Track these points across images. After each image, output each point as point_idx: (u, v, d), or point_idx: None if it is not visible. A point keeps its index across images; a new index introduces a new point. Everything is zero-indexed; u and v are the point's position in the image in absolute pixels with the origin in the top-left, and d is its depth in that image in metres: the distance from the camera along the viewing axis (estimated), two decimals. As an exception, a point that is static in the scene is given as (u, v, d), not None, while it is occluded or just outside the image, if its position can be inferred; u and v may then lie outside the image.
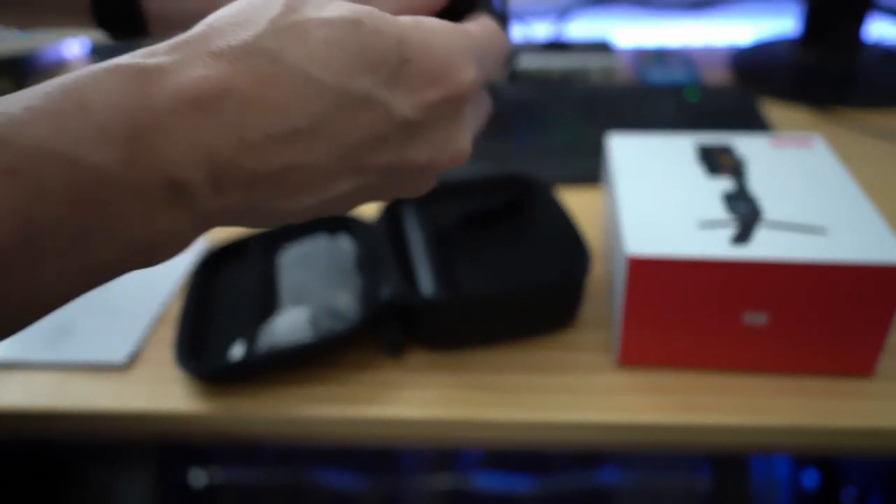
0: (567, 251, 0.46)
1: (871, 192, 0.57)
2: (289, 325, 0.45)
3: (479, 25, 0.28)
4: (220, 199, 0.21)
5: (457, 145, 0.26)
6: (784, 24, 0.93)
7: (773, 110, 0.72)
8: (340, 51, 0.22)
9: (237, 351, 0.44)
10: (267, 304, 0.47)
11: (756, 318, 0.40)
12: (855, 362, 0.41)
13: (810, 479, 0.72)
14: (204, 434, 0.44)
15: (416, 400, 0.42)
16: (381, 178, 0.24)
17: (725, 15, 0.96)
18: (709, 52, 0.88)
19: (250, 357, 0.42)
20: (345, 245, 0.51)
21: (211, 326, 0.48)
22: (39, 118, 0.18)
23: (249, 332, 0.45)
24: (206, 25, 0.22)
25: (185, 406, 0.42)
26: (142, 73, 0.20)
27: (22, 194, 0.18)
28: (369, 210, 0.51)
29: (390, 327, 0.44)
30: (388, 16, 0.24)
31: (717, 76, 0.82)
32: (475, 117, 0.29)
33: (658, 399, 0.41)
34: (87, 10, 0.34)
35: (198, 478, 0.74)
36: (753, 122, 0.67)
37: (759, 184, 0.44)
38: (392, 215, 0.50)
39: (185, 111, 0.20)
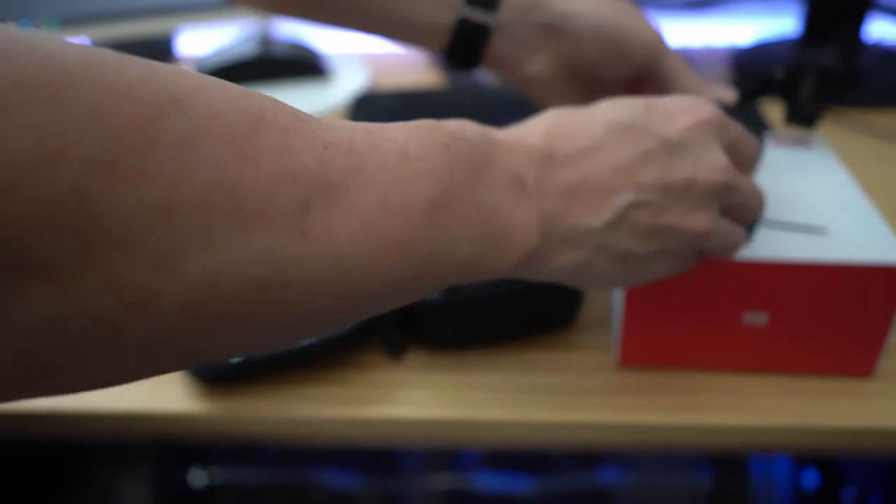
0: None
1: (871, 192, 0.57)
2: None
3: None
4: (543, 204, 0.29)
5: (712, 160, 0.31)
6: (784, 24, 0.93)
7: (774, 110, 0.72)
8: (602, 107, 0.31)
9: None
10: None
11: (756, 319, 0.40)
12: (855, 362, 0.41)
13: (810, 479, 0.72)
14: (203, 434, 0.44)
15: (416, 400, 0.42)
16: (657, 195, 0.30)
17: (725, 15, 0.96)
18: (709, 52, 0.88)
19: (250, 358, 0.42)
20: None
21: None
22: (445, 122, 0.27)
23: None
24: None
25: (185, 406, 0.42)
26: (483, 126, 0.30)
27: (451, 162, 0.26)
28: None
29: (390, 327, 0.44)
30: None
31: (718, 76, 0.82)
32: (739, 149, 0.33)
33: (658, 399, 0.41)
34: (442, 45, 0.44)
35: (198, 478, 0.74)
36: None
37: (760, 183, 0.44)
38: None
39: (513, 140, 0.29)
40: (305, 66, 0.83)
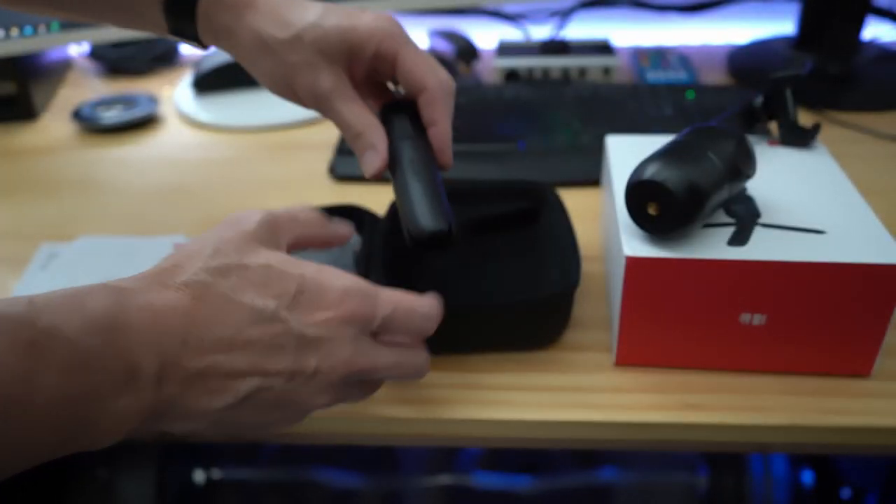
0: (560, 267, 0.46)
1: (867, 193, 0.58)
2: None
3: (397, 299, 0.34)
4: (160, 391, 0.29)
5: (340, 356, 0.33)
6: (782, 27, 0.93)
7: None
8: (252, 285, 0.31)
9: None
10: None
11: (754, 318, 0.40)
12: (853, 362, 0.41)
13: (808, 478, 0.73)
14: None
15: (417, 399, 0.42)
16: (281, 381, 0.31)
17: (723, 17, 0.96)
18: (706, 52, 0.88)
19: None
20: (352, 239, 0.51)
21: None
22: (54, 307, 0.26)
23: None
24: (164, 261, 0.32)
25: (188, 405, 0.43)
26: (120, 291, 0.29)
27: (33, 361, 0.25)
28: (382, 206, 0.51)
29: None
30: (294, 261, 0.33)
31: (715, 76, 0.82)
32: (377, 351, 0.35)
33: (657, 398, 0.41)
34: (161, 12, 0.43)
35: (200, 476, 0.74)
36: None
37: (758, 184, 0.45)
38: (396, 218, 0.50)
39: (145, 319, 0.28)
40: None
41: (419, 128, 0.41)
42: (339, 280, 0.33)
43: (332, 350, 0.32)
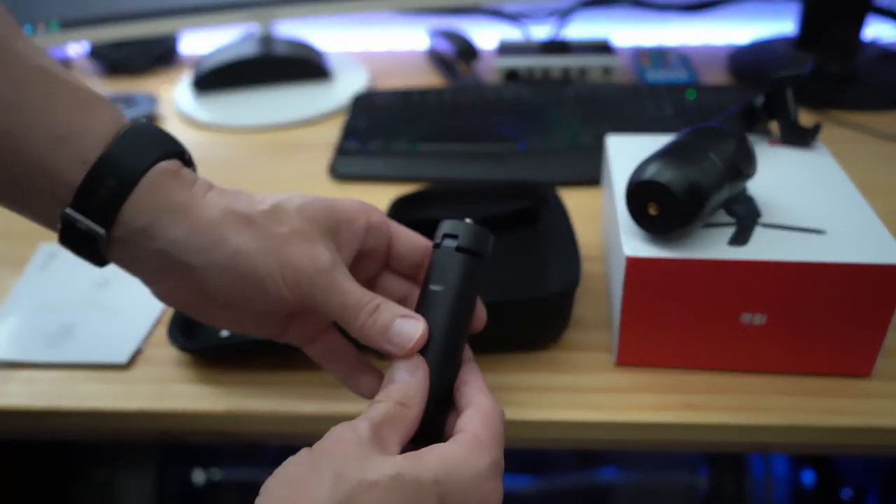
0: (560, 267, 0.46)
1: (867, 193, 0.58)
2: None
3: (479, 422, 0.31)
4: None
5: None
6: (782, 27, 0.93)
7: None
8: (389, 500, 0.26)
9: (224, 333, 0.46)
10: None
11: (754, 319, 0.40)
12: (853, 362, 0.41)
13: (808, 478, 0.73)
14: (205, 432, 0.44)
15: (417, 399, 0.42)
16: None
17: (723, 17, 0.96)
18: (707, 52, 0.88)
19: (229, 339, 0.44)
20: None
21: None
22: None
23: None
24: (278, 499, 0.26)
25: (187, 405, 0.43)
26: None
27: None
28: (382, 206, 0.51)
29: None
30: (420, 459, 0.28)
31: (715, 76, 0.82)
32: None
33: (657, 398, 0.41)
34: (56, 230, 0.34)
35: (200, 476, 0.74)
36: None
37: (758, 184, 0.45)
38: (399, 216, 0.50)
39: None
40: (307, 65, 0.83)
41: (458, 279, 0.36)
42: (471, 463, 0.29)
43: None
